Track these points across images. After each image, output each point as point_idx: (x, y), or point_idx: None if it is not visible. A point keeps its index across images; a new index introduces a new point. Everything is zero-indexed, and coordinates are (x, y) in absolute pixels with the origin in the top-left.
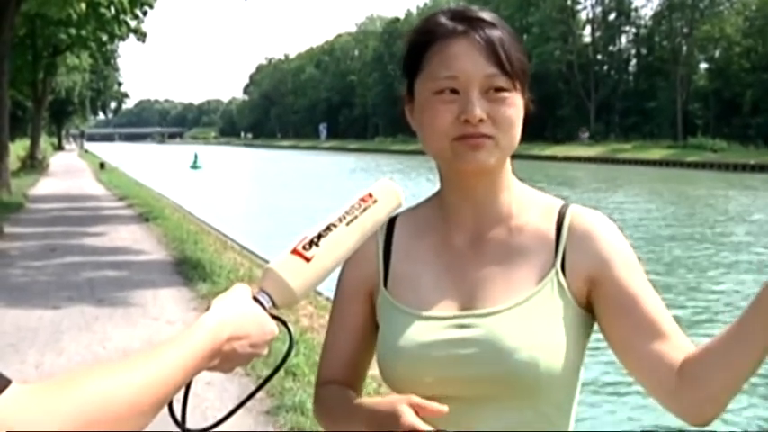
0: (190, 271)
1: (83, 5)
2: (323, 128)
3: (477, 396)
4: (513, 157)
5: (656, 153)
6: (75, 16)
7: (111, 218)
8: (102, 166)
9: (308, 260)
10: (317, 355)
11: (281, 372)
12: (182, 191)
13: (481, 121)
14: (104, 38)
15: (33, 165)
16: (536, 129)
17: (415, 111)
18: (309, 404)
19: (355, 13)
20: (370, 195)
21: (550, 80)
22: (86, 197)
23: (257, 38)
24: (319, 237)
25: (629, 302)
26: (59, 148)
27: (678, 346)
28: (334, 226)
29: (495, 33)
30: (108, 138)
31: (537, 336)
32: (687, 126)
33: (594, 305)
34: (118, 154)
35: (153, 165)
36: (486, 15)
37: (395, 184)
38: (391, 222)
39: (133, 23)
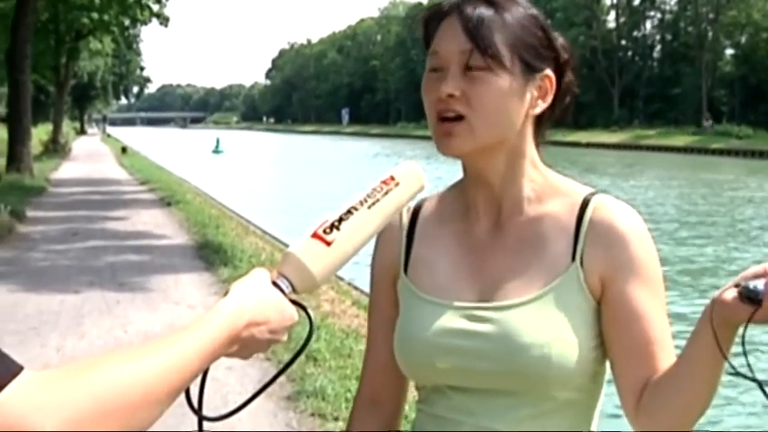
0: (211, 255)
1: None
2: (345, 113)
3: (490, 388)
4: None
5: (681, 140)
6: (97, 1)
7: (132, 202)
8: (124, 150)
9: (328, 244)
10: (338, 340)
11: (302, 357)
12: (203, 175)
13: (451, 96)
14: (127, 22)
15: (56, 149)
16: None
17: None
18: (330, 389)
19: None
20: (393, 178)
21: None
22: (108, 181)
23: (280, 22)
24: (340, 220)
25: (629, 317)
26: (82, 132)
27: (665, 373)
28: (356, 209)
29: (483, 11)
30: (130, 122)
31: (551, 332)
32: (712, 112)
33: (600, 305)
34: (140, 138)
35: (175, 149)
36: None
37: (418, 166)
38: (417, 208)
39: (155, 8)
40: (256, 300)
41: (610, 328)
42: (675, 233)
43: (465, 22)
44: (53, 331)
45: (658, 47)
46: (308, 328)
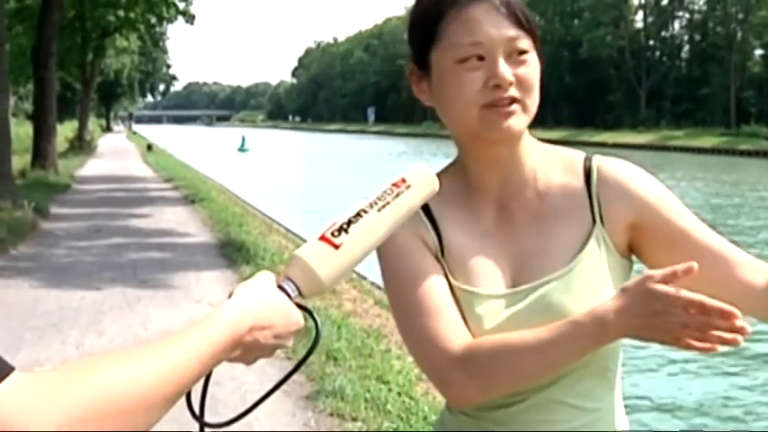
0: (234, 253)
1: None
2: (371, 111)
3: None
4: (561, 142)
5: (708, 141)
6: None
7: (156, 199)
8: (149, 147)
9: (336, 247)
10: (359, 340)
11: (322, 357)
12: (228, 173)
13: (511, 83)
14: (153, 20)
15: (81, 146)
16: (586, 115)
17: (433, 83)
18: (350, 389)
19: None
20: (404, 180)
21: (601, 66)
22: (133, 178)
23: (306, 21)
24: (349, 223)
25: (684, 238)
26: (108, 129)
27: (750, 263)
28: (365, 212)
29: None
30: (156, 120)
31: (596, 294)
32: (740, 113)
33: (642, 250)
34: (166, 136)
35: (200, 147)
36: None
37: (429, 168)
38: None
39: (181, 5)
40: (261, 303)
41: (671, 254)
42: None
43: (505, 8)
44: (73, 328)
45: (686, 47)
46: (326, 331)
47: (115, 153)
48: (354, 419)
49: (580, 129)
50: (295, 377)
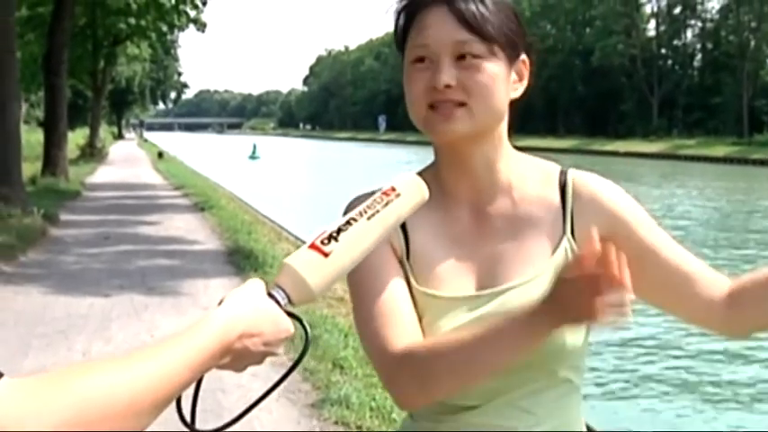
0: (242, 261)
1: None
2: (382, 120)
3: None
4: (573, 151)
5: (720, 150)
6: (134, 6)
7: (166, 207)
8: (160, 155)
9: (326, 255)
10: (362, 348)
11: (329, 365)
12: (239, 181)
13: (449, 87)
14: (164, 28)
15: (92, 153)
16: (598, 123)
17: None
18: (355, 398)
19: None
20: (393, 189)
21: (613, 74)
22: (143, 186)
23: (317, 29)
24: (339, 231)
25: (653, 255)
26: (119, 137)
27: (711, 278)
28: (355, 220)
29: (473, 2)
30: (168, 127)
31: None
32: (753, 122)
33: None
34: (177, 143)
35: (211, 155)
36: None
37: (419, 177)
38: None
39: (192, 13)
40: (250, 311)
41: (641, 270)
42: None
43: (456, 12)
44: (80, 335)
45: (699, 56)
46: (334, 336)
47: (126, 160)
48: (359, 427)
49: (592, 137)
50: (301, 385)
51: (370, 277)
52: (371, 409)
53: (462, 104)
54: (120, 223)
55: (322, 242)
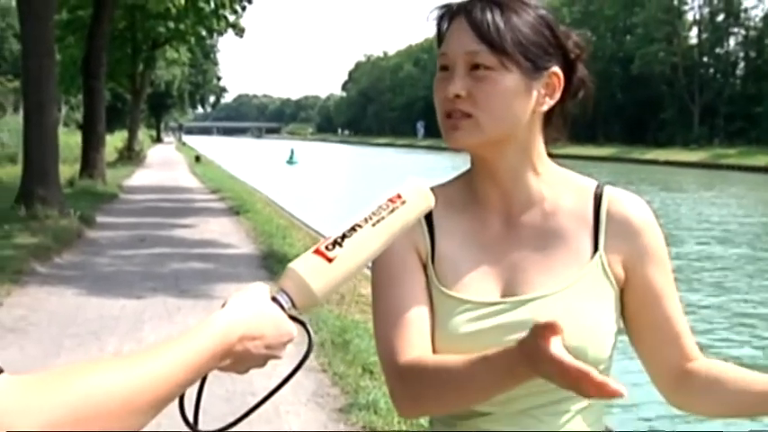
0: (275, 265)
1: None
2: (420, 126)
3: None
4: (612, 159)
5: (762, 159)
6: (173, 10)
7: (202, 210)
8: (197, 159)
9: (330, 260)
10: None
11: (358, 369)
12: (276, 185)
13: (458, 96)
14: (203, 32)
15: (130, 156)
16: (637, 132)
17: None
18: (383, 403)
19: None
20: (399, 196)
21: (654, 82)
22: (179, 189)
23: (356, 35)
24: (343, 237)
25: (653, 300)
26: (158, 140)
27: (685, 348)
28: (360, 226)
29: (492, 12)
30: (206, 131)
31: (586, 321)
32: None
33: (624, 291)
34: (215, 147)
35: (249, 159)
36: None
37: (426, 184)
38: None
39: (232, 18)
40: (252, 314)
41: (639, 311)
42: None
43: (472, 22)
44: (112, 336)
45: (741, 64)
46: (362, 341)
47: (163, 164)
48: None
49: (631, 146)
50: (330, 390)
51: (389, 283)
52: None
53: (469, 115)
54: (156, 226)
55: (327, 248)
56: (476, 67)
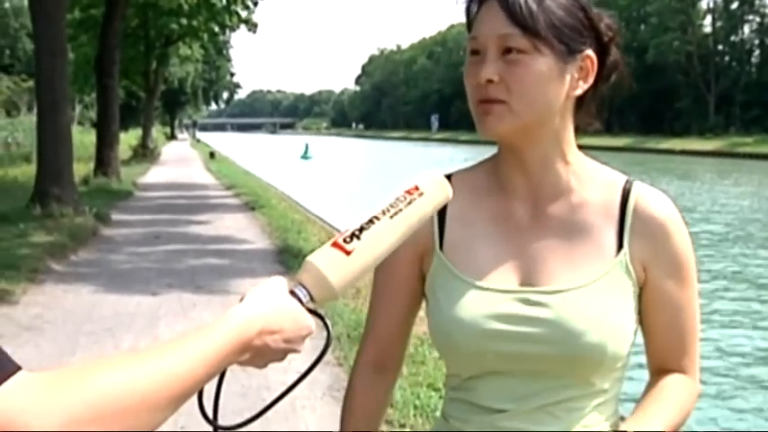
0: (290, 260)
1: None
2: (434, 119)
3: (535, 371)
4: (628, 149)
5: None
6: (186, 7)
7: (217, 206)
8: (212, 155)
9: (348, 253)
10: (412, 347)
11: None
12: (291, 180)
13: (491, 82)
14: (216, 28)
15: (144, 154)
16: (653, 121)
17: None
18: (399, 396)
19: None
20: (417, 188)
21: (668, 71)
22: (194, 186)
23: (369, 28)
24: (361, 230)
25: (661, 305)
26: (172, 137)
27: (682, 362)
28: (377, 219)
29: None
30: (220, 127)
31: (608, 317)
32: None
33: (642, 289)
34: (229, 143)
35: (264, 155)
36: None
37: (442, 176)
38: (446, 179)
39: (244, 14)
40: (271, 308)
41: (648, 311)
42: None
43: (504, 4)
44: (128, 332)
45: (757, 52)
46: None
47: (178, 161)
48: (402, 426)
49: (647, 135)
50: (345, 384)
51: (380, 277)
52: (415, 407)
53: (502, 101)
54: (171, 223)
55: (344, 240)
56: (508, 50)
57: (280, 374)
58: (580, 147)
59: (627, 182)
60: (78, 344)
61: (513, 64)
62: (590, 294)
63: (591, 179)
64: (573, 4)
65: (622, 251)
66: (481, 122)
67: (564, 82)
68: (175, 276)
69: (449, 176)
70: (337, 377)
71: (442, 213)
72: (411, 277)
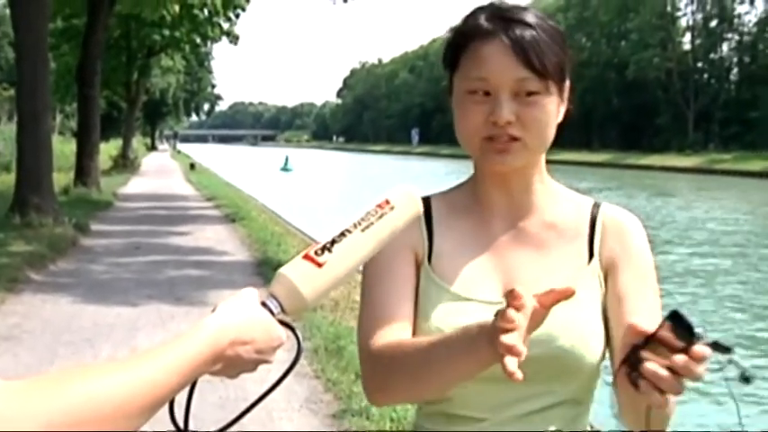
0: (270, 272)
1: (176, 7)
2: (415, 133)
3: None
4: (607, 165)
5: (758, 164)
6: (168, 18)
7: (197, 218)
8: (192, 166)
9: (319, 265)
10: None
11: (351, 376)
12: (271, 192)
13: (509, 123)
14: (198, 40)
15: (125, 164)
16: (633, 137)
17: (453, 104)
18: (375, 409)
19: (450, 17)
20: (387, 202)
21: (648, 88)
22: (175, 197)
23: (352, 42)
24: (333, 242)
25: (617, 300)
26: (153, 148)
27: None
28: (349, 232)
29: (529, 34)
30: (202, 139)
31: (580, 324)
32: None
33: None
34: (210, 155)
35: (244, 166)
36: (524, 15)
37: (414, 190)
38: (426, 200)
39: (226, 26)
40: (242, 319)
41: (612, 304)
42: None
43: (516, 48)
44: (106, 343)
45: (735, 69)
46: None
47: (159, 171)
48: None
49: (626, 151)
50: (323, 396)
51: (378, 278)
52: (392, 420)
53: (517, 139)
54: (151, 234)
55: (316, 253)
56: (521, 92)
57: (257, 386)
58: (560, 162)
59: (595, 204)
60: (57, 354)
61: (528, 105)
62: (566, 302)
63: (562, 200)
64: (560, 38)
65: (594, 260)
66: (497, 159)
67: (560, 113)
68: (155, 287)
69: (427, 198)
70: (314, 389)
71: (429, 229)
72: (413, 278)
